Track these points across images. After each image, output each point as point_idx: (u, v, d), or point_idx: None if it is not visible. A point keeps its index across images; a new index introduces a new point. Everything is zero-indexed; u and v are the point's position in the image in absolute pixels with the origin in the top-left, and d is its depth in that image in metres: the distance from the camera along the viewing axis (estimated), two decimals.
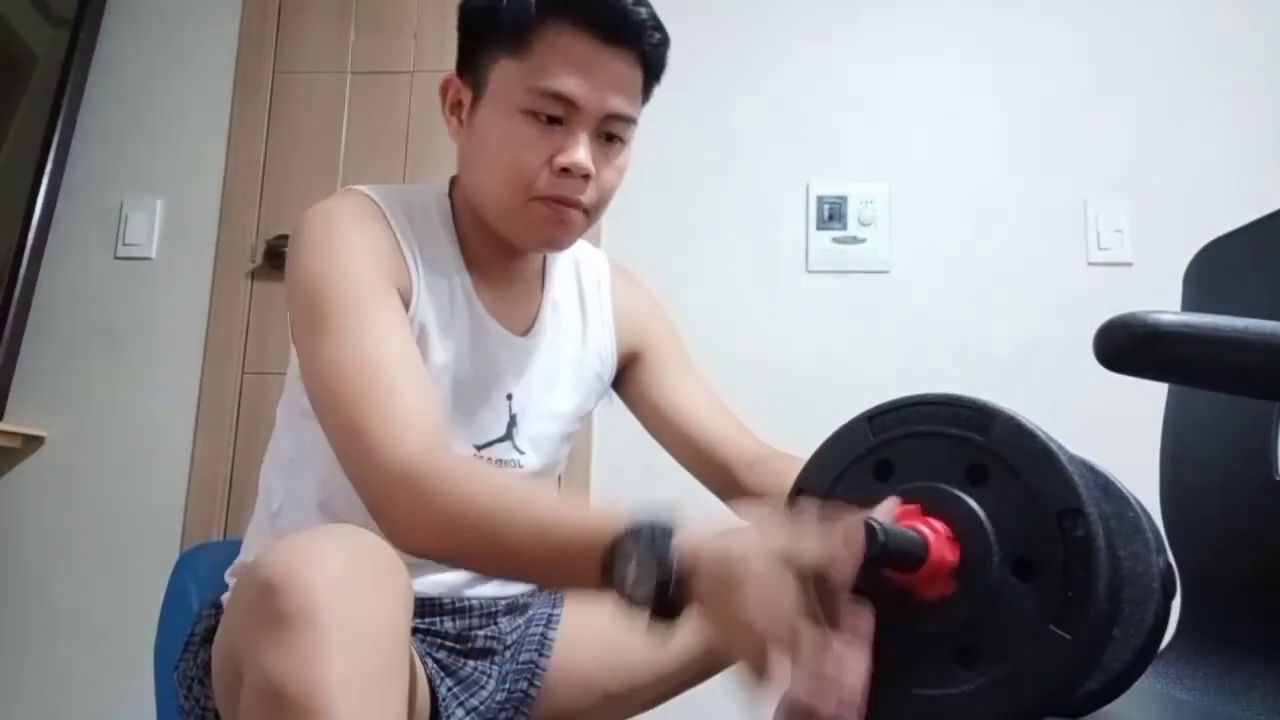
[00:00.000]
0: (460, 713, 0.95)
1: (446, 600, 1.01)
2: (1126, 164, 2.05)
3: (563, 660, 1.05)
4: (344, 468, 0.83)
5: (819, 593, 0.61)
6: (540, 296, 1.07)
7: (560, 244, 0.99)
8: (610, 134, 0.94)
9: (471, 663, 1.00)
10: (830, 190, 2.10)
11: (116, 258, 2.21)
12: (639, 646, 1.04)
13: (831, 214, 2.09)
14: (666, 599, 0.65)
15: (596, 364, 1.10)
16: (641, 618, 0.66)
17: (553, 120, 0.91)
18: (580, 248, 1.12)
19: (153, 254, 2.21)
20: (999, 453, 0.62)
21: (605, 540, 0.68)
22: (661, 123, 2.02)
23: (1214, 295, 0.98)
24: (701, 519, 0.68)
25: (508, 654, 1.04)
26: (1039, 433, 0.62)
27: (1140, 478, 0.85)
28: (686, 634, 1.03)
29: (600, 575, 0.68)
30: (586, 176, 0.92)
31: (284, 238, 2.12)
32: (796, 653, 0.59)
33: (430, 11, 2.23)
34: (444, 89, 0.99)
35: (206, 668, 0.91)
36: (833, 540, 0.61)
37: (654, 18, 0.94)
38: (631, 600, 0.66)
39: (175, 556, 1.38)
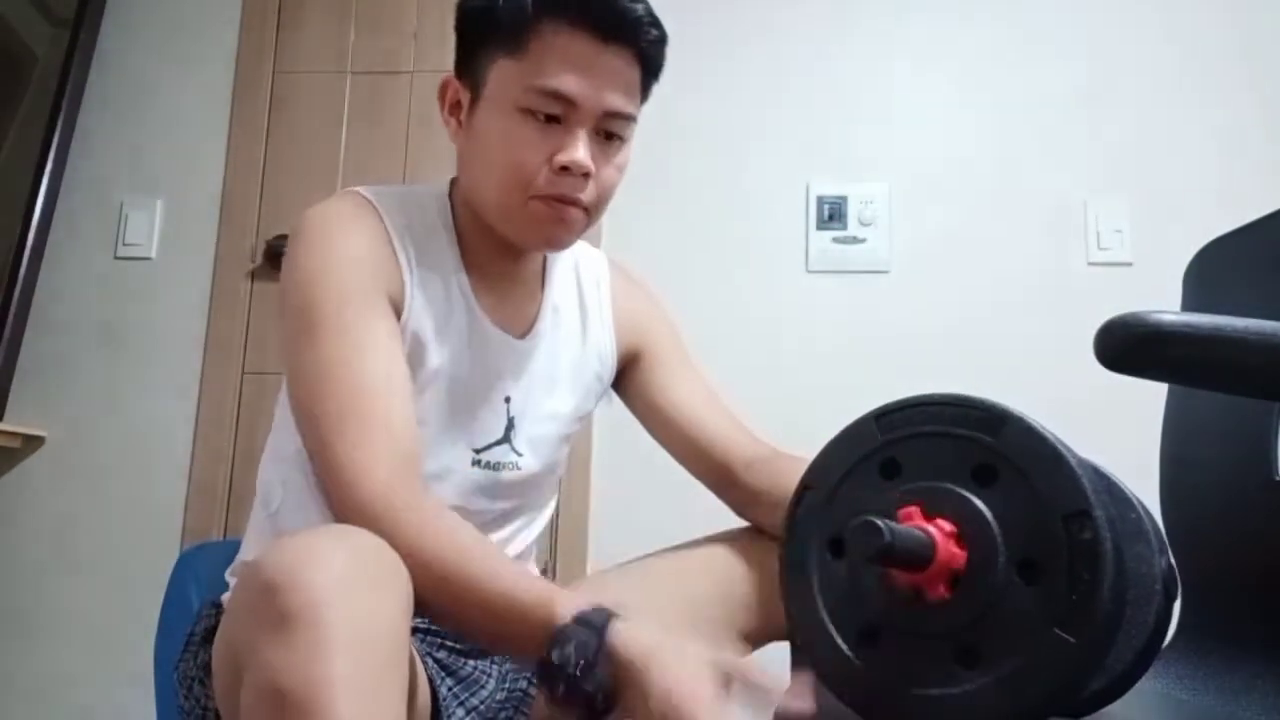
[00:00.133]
0: (460, 712, 0.95)
1: None
2: (1126, 164, 2.05)
3: None
4: (321, 485, 0.84)
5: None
6: (540, 298, 1.07)
7: (561, 243, 0.99)
8: (609, 132, 0.94)
9: (471, 662, 1.00)
10: (830, 190, 2.10)
11: (116, 258, 2.21)
12: None
13: (831, 214, 2.09)
14: (595, 699, 0.69)
15: (596, 364, 1.10)
16: (570, 708, 0.69)
17: (551, 119, 0.91)
18: (580, 248, 1.12)
19: (153, 254, 2.21)
20: (1007, 454, 0.62)
21: (552, 626, 0.71)
22: (662, 122, 2.02)
23: (1214, 295, 0.98)
24: (643, 625, 0.71)
25: None
26: (1048, 435, 0.62)
27: (1140, 478, 0.85)
28: None
29: (539, 659, 0.71)
30: (586, 175, 0.92)
31: (284, 238, 2.12)
32: None
33: (430, 11, 2.24)
34: (442, 90, 0.99)
35: (207, 667, 0.91)
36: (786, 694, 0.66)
37: (651, 15, 0.94)
38: (560, 695, 0.69)
39: (175, 556, 1.38)
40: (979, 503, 0.62)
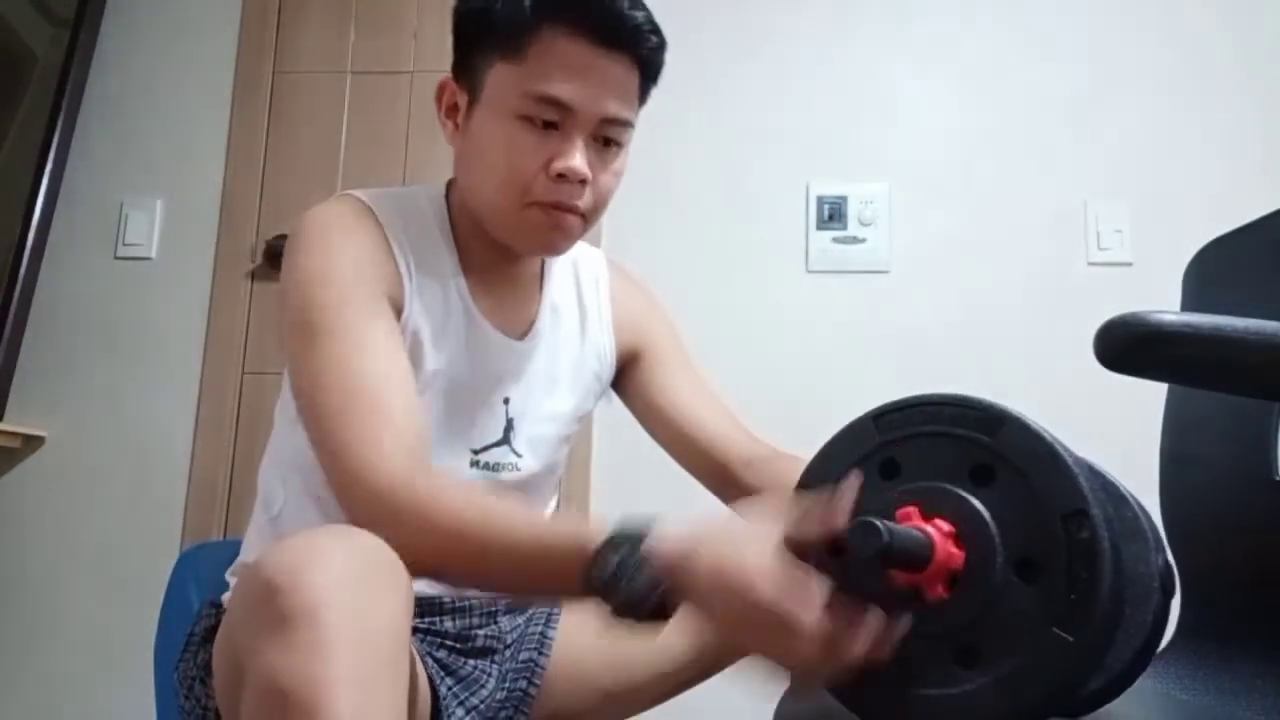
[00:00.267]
0: (460, 712, 0.95)
1: (446, 599, 1.01)
2: (1126, 164, 2.05)
3: (562, 659, 1.05)
4: (329, 484, 0.84)
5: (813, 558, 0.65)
6: (538, 299, 1.07)
7: (557, 249, 0.99)
8: (607, 138, 0.94)
9: (472, 662, 1.00)
10: (830, 190, 2.10)
11: (116, 258, 2.21)
12: (639, 646, 1.04)
13: (831, 214, 2.09)
14: (651, 604, 0.69)
15: (595, 364, 1.10)
16: (627, 623, 0.70)
17: (548, 125, 0.91)
18: (578, 248, 1.11)
19: (153, 254, 2.21)
20: (1005, 454, 0.62)
21: (587, 552, 0.71)
22: (662, 123, 2.02)
23: (1214, 295, 0.98)
24: (683, 521, 0.72)
25: (508, 653, 1.04)
26: (1045, 435, 0.62)
27: (1140, 477, 0.85)
28: (685, 635, 1.05)
29: (584, 586, 0.71)
30: (583, 181, 0.91)
31: (284, 238, 2.11)
32: (807, 639, 0.62)
33: (430, 11, 2.23)
34: (440, 92, 0.99)
35: (207, 667, 0.91)
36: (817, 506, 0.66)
37: (650, 21, 0.93)
38: (616, 609, 0.70)
39: (175, 556, 1.39)
40: (977, 503, 0.62)
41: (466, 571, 0.79)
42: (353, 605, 0.65)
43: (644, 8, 0.93)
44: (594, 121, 0.91)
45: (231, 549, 1.05)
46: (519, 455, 1.03)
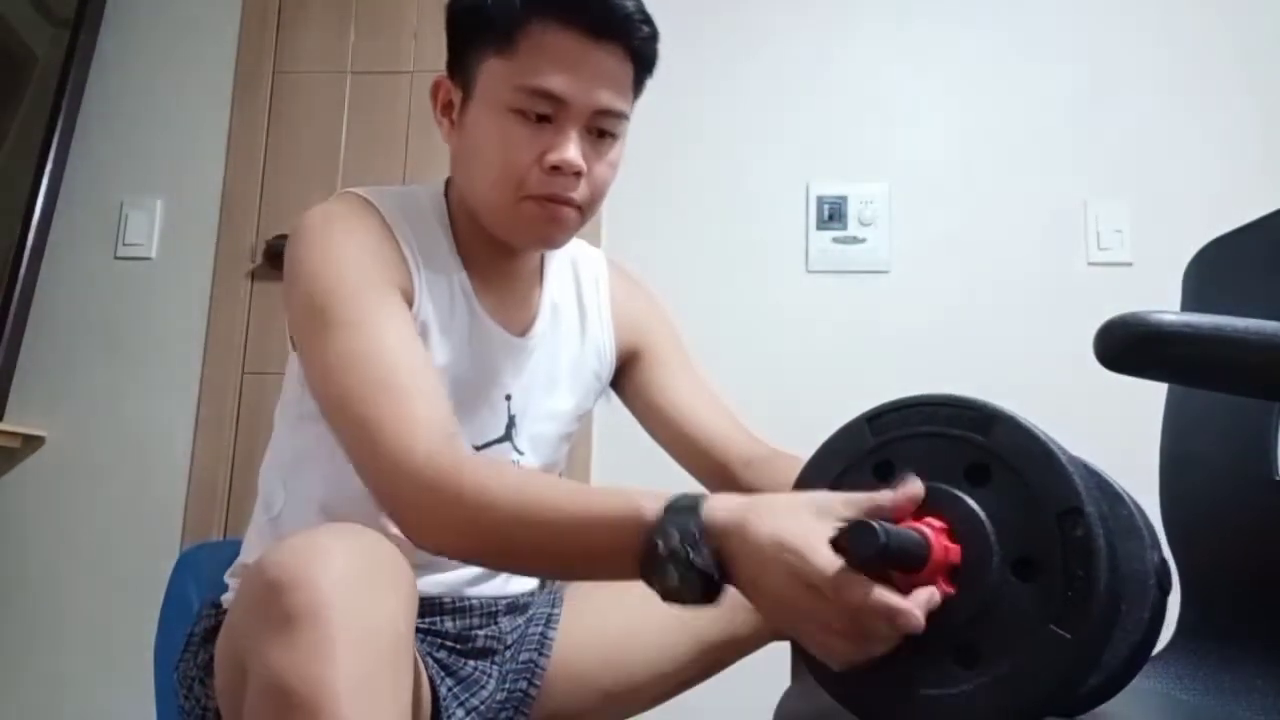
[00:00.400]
0: (461, 713, 0.95)
1: (447, 600, 1.01)
2: (1126, 164, 2.05)
3: (562, 659, 1.05)
4: (357, 469, 0.82)
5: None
6: (538, 296, 1.07)
7: (555, 242, 0.99)
8: (601, 130, 0.94)
9: (472, 662, 1.00)
10: (830, 190, 2.10)
11: (116, 258, 2.21)
12: (639, 646, 1.04)
13: (831, 214, 2.09)
14: (707, 583, 0.66)
15: (595, 363, 1.10)
16: (679, 599, 0.67)
17: (542, 118, 0.91)
18: (578, 247, 1.12)
19: (153, 254, 2.21)
20: (999, 453, 0.62)
21: (642, 527, 0.68)
22: (663, 123, 2.03)
23: (1213, 295, 0.98)
24: (734, 498, 0.69)
25: (508, 653, 1.04)
26: (1039, 433, 0.62)
27: (1140, 478, 0.85)
28: (684, 636, 1.05)
29: (638, 564, 0.69)
30: (578, 174, 0.92)
31: (284, 237, 2.10)
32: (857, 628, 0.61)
33: (430, 11, 2.23)
34: (434, 90, 0.99)
35: (207, 667, 0.91)
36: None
37: (642, 10, 0.93)
38: (670, 589, 0.67)
39: (175, 556, 1.38)
40: (973, 502, 0.62)
41: (506, 551, 0.77)
42: (356, 604, 0.64)
43: None
44: (587, 113, 0.91)
45: (231, 549, 1.05)
46: (520, 453, 1.03)
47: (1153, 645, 0.67)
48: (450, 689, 0.96)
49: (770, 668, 0.98)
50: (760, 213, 2.11)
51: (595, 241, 1.76)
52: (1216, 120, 2.04)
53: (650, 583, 0.68)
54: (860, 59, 2.16)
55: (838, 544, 0.62)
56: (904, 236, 2.07)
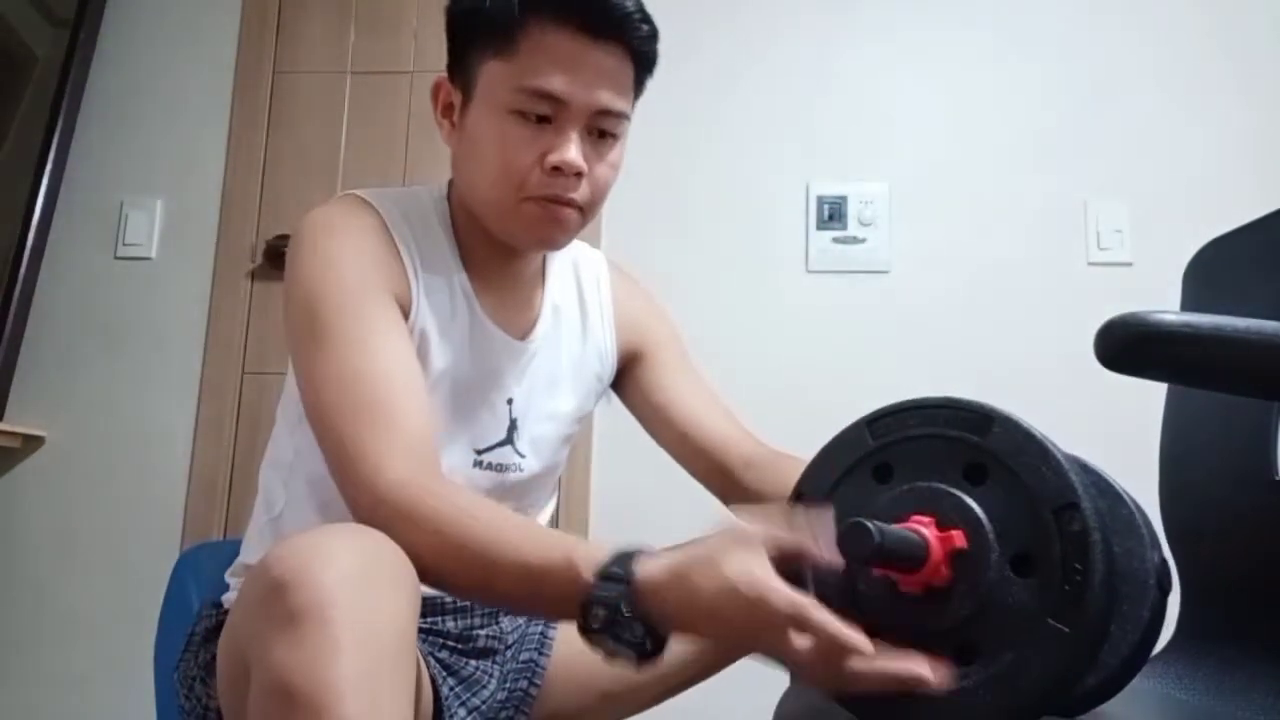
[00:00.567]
0: (462, 712, 0.95)
1: (448, 600, 1.01)
2: (1126, 164, 2.05)
3: (563, 659, 1.05)
4: (337, 486, 0.83)
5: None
6: (540, 299, 1.07)
7: (556, 243, 0.99)
8: (602, 130, 0.93)
9: (473, 662, 1.00)
10: (830, 190, 2.10)
11: (116, 258, 2.21)
12: None
13: (831, 214, 2.09)
14: (645, 648, 0.68)
15: (596, 364, 1.10)
16: (624, 659, 0.69)
17: (542, 119, 0.91)
18: (578, 248, 1.12)
19: (153, 254, 2.21)
20: (996, 452, 0.63)
21: (574, 603, 0.69)
22: (661, 122, 2.03)
23: (1213, 295, 0.98)
24: (665, 556, 0.70)
25: (508, 653, 1.04)
26: (1035, 432, 0.62)
27: (1140, 478, 0.85)
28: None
29: (579, 622, 0.70)
30: (579, 174, 0.91)
31: (284, 237, 2.12)
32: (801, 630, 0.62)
33: (430, 11, 2.23)
34: (435, 91, 0.99)
35: (207, 667, 0.91)
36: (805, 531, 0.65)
37: (641, 9, 0.93)
38: (609, 655, 0.69)
39: (175, 556, 1.38)
40: (971, 501, 0.62)
41: (466, 584, 0.78)
42: (359, 603, 0.65)
43: None
44: (587, 113, 0.91)
45: (231, 549, 1.05)
46: (522, 455, 1.03)
47: (1152, 645, 0.67)
48: (452, 688, 0.96)
49: (770, 669, 0.98)
50: (760, 213, 2.11)
51: (595, 242, 1.76)
52: (1216, 120, 2.04)
53: (589, 640, 0.70)
54: (860, 59, 2.16)
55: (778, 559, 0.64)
56: (904, 236, 2.07)
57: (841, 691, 0.65)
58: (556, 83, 0.89)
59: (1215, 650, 0.87)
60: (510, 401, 1.02)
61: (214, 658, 0.85)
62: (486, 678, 1.00)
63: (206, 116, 2.25)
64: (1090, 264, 2.02)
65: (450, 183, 1.04)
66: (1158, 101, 2.06)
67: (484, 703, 0.98)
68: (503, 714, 1.02)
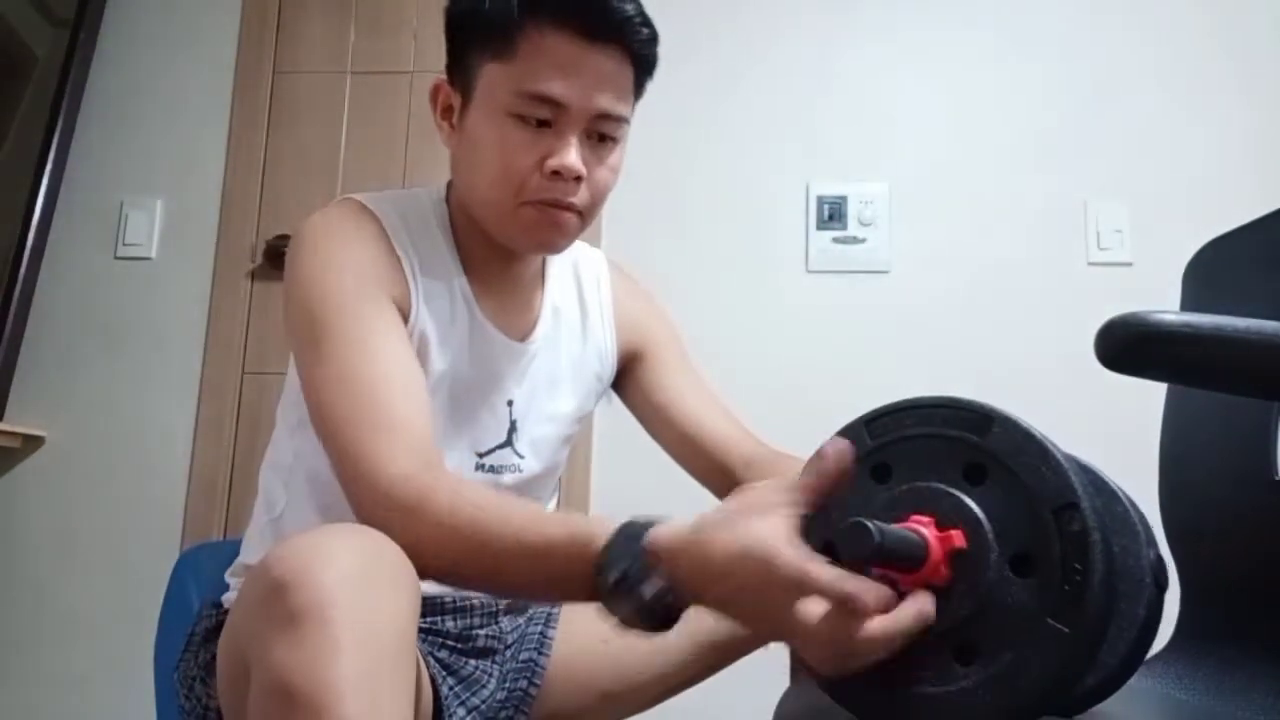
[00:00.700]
0: (462, 712, 0.95)
1: (448, 599, 1.01)
2: (1126, 164, 2.05)
3: (562, 659, 1.05)
4: (341, 486, 0.83)
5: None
6: (540, 300, 1.07)
7: (555, 247, 0.99)
8: (602, 134, 0.93)
9: (473, 662, 1.00)
10: (830, 190, 2.10)
11: (116, 258, 2.21)
12: (639, 646, 1.04)
13: (831, 214, 2.09)
14: (658, 610, 0.67)
15: (596, 364, 1.10)
16: (634, 629, 0.68)
17: (541, 123, 0.90)
18: (578, 248, 1.11)
19: (153, 254, 2.21)
20: (995, 452, 0.63)
21: (588, 570, 0.69)
22: (661, 123, 2.03)
23: (1213, 295, 0.98)
24: (679, 521, 0.69)
25: (508, 653, 1.04)
26: (1035, 432, 0.62)
27: (1140, 478, 0.85)
28: (684, 637, 1.05)
29: (591, 594, 0.69)
30: (578, 178, 0.91)
31: (284, 237, 2.12)
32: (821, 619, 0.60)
33: (430, 11, 2.23)
34: (434, 93, 0.99)
35: (207, 667, 0.91)
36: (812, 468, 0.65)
37: (641, 13, 0.93)
38: (623, 618, 0.68)
39: (175, 556, 1.38)
40: (970, 501, 0.62)
41: (475, 574, 0.78)
42: (360, 603, 0.65)
43: (633, 0, 0.92)
44: (587, 117, 0.91)
45: (231, 549, 1.06)
46: (521, 456, 1.03)
47: (1150, 643, 0.67)
48: (452, 688, 0.96)
49: (770, 668, 0.98)
50: (760, 213, 2.11)
51: (595, 242, 1.76)
52: (1217, 120, 2.04)
53: (604, 612, 0.69)
54: (861, 59, 2.16)
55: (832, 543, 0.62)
56: (904, 236, 2.07)
57: (839, 690, 0.65)
58: (556, 87, 0.89)
59: (1215, 650, 0.87)
60: (511, 403, 1.02)
61: (214, 658, 0.85)
62: (486, 677, 1.00)
63: (206, 116, 2.25)
64: (1090, 264, 2.02)
65: (449, 184, 1.04)
66: (1158, 101, 2.06)
67: (484, 702, 0.98)
68: (502, 714, 1.02)
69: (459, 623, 1.02)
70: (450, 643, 1.00)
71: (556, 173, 0.90)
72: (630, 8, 0.92)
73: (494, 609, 1.04)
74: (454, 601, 1.01)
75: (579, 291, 1.11)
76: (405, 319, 0.93)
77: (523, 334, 1.04)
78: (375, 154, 2.21)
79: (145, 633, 1.15)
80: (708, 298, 2.04)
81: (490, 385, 1.01)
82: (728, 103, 2.15)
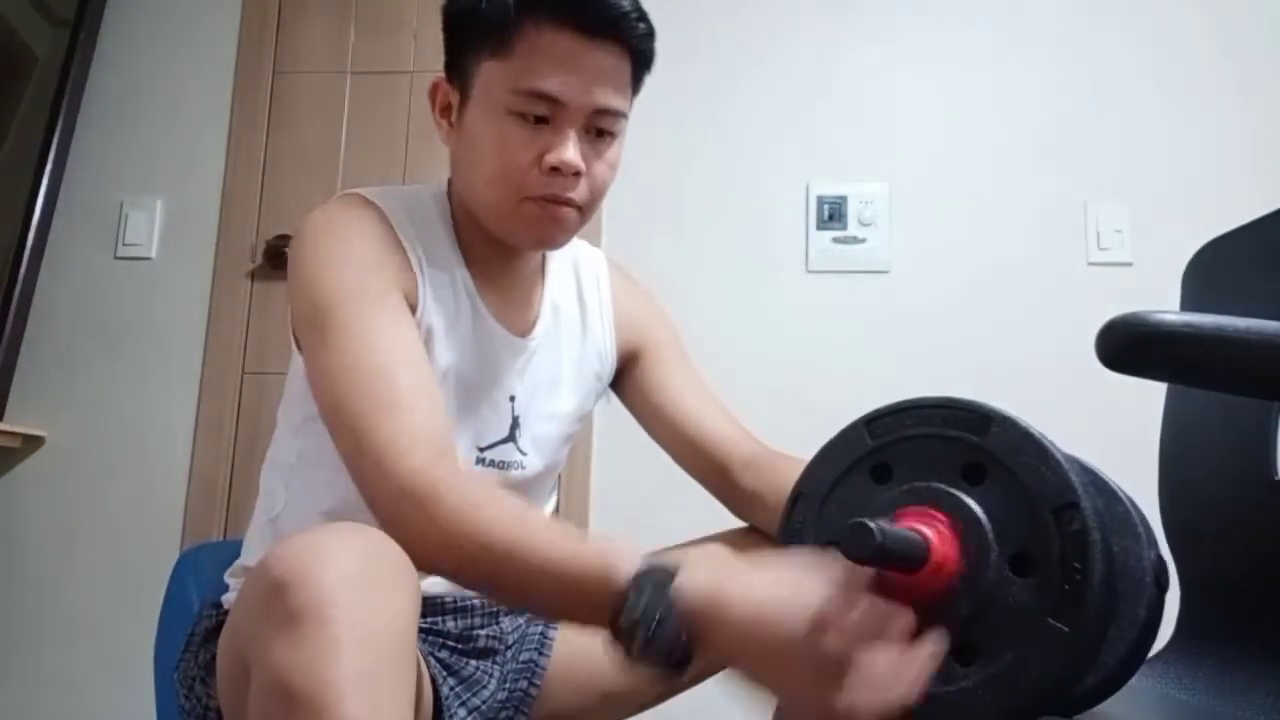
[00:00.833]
0: (462, 712, 0.95)
1: (449, 599, 1.01)
2: (1126, 164, 2.05)
3: (563, 659, 1.05)
4: (353, 479, 0.83)
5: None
6: (540, 297, 1.07)
7: (555, 242, 0.99)
8: (600, 129, 0.93)
9: (474, 662, 1.00)
10: (830, 190, 2.10)
11: (116, 258, 2.21)
12: None
13: (831, 214, 2.09)
14: (675, 654, 0.66)
15: (596, 363, 1.10)
16: (646, 668, 0.67)
17: (540, 120, 0.90)
18: (578, 247, 1.12)
19: (153, 254, 2.21)
20: (995, 452, 0.63)
21: (612, 590, 0.68)
22: (661, 123, 2.03)
23: (1213, 295, 0.98)
24: (708, 563, 0.69)
25: (509, 653, 1.04)
26: (1035, 432, 0.62)
27: (1140, 478, 0.85)
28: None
29: (604, 624, 0.69)
30: (577, 174, 0.91)
31: (284, 237, 2.12)
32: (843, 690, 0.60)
33: (430, 11, 2.21)
34: (432, 92, 0.99)
35: (207, 667, 0.91)
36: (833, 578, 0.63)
37: (637, 8, 0.93)
38: (637, 656, 0.67)
39: (175, 556, 1.38)
40: (970, 501, 0.63)
41: (486, 578, 0.77)
42: (360, 603, 0.64)
43: None
44: (585, 113, 0.91)
45: (231, 549, 1.05)
46: (524, 453, 1.03)
47: (1150, 643, 0.67)
48: (452, 688, 0.96)
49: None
50: (760, 213, 2.11)
51: (595, 242, 1.76)
52: (1216, 121, 2.04)
53: (617, 647, 0.69)
54: (860, 60, 2.16)
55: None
56: (904, 236, 2.07)
57: None
58: (553, 83, 0.89)
59: (1215, 650, 0.87)
60: (512, 399, 1.02)
61: (214, 658, 0.85)
62: (487, 678, 1.00)
63: (206, 116, 2.25)
64: (1090, 264, 2.02)
65: (450, 181, 1.04)
66: (1157, 102, 2.06)
67: (484, 703, 0.98)
68: (503, 714, 1.02)
69: (460, 623, 1.02)
70: (451, 643, 1.00)
71: (555, 169, 0.90)
72: (627, 3, 0.92)
73: (494, 609, 1.04)
74: (455, 602, 1.01)
75: (578, 290, 1.11)
76: (413, 310, 0.93)
77: (523, 330, 1.04)
78: (375, 154, 2.21)
79: (145, 633, 1.15)
80: (708, 298, 2.04)
81: (492, 380, 1.01)
82: (727, 103, 2.15)
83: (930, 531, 0.62)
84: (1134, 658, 0.66)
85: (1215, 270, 0.98)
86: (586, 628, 0.71)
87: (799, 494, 0.72)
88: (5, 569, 2.10)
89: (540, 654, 1.05)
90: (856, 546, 0.59)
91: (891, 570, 0.62)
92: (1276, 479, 0.84)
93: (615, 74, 0.93)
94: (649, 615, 0.66)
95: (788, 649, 0.62)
